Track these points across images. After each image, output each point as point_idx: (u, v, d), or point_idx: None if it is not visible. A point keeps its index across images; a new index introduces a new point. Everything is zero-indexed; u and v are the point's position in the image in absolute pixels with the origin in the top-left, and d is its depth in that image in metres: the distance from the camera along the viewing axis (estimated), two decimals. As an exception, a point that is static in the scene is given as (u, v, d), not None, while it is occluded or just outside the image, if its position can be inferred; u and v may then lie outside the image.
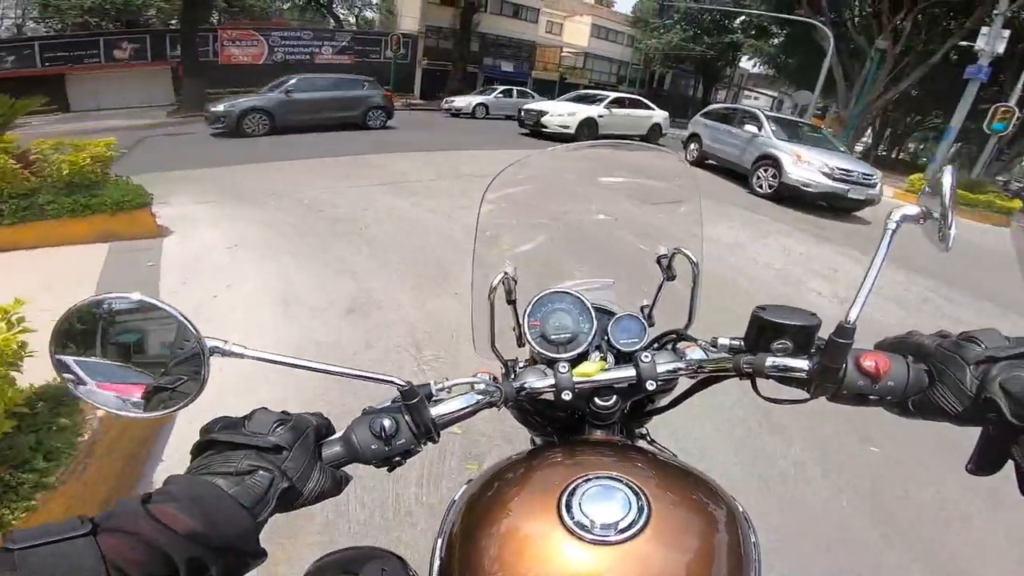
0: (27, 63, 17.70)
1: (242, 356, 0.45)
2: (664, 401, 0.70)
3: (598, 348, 0.65)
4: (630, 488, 0.45)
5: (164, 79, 19.78)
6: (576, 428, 0.66)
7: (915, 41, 16.44)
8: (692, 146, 10.53)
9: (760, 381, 0.56)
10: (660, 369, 0.58)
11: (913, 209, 0.49)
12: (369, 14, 27.62)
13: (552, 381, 0.58)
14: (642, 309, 0.73)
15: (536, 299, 0.66)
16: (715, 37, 30.30)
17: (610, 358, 0.63)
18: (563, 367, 0.59)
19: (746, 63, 37.54)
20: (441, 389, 0.53)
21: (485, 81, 27.38)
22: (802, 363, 0.52)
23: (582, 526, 0.42)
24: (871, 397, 0.50)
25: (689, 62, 32.84)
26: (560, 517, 0.43)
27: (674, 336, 0.66)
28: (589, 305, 0.66)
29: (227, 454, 0.42)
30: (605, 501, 0.44)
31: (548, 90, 27.27)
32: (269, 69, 20.83)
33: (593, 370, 0.59)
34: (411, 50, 23.72)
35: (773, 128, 8.26)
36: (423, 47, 24.57)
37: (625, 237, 0.82)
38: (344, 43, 22.47)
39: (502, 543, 0.45)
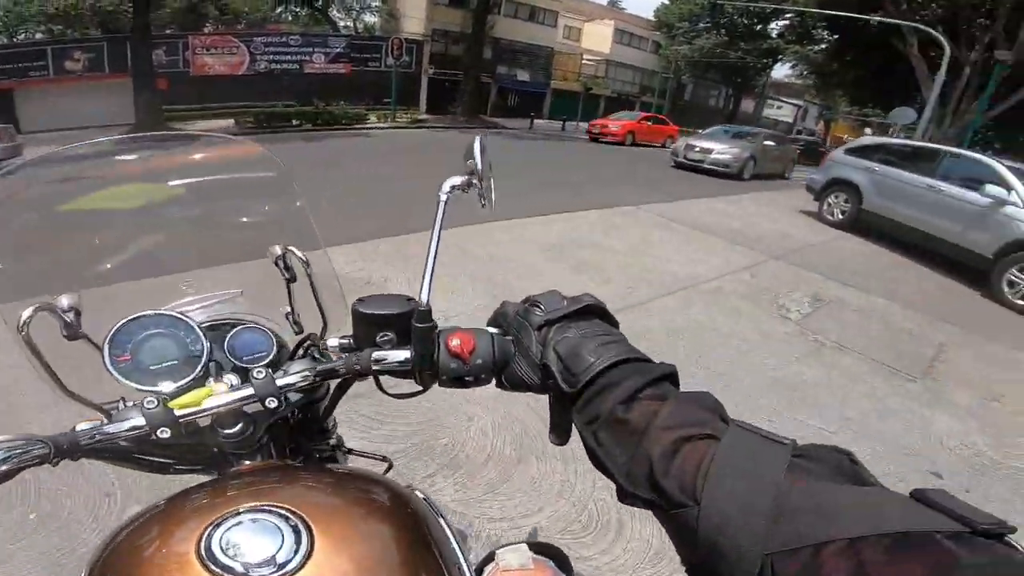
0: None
1: None
2: (321, 410, 0.64)
3: (220, 369, 0.58)
4: (283, 516, 0.41)
5: (126, 93, 16.74)
6: (224, 460, 0.56)
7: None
8: (836, 198, 7.37)
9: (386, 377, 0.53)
10: (280, 383, 0.50)
11: (458, 179, 0.52)
12: (369, 18, 24.46)
13: (140, 422, 0.47)
14: (289, 316, 0.66)
15: (116, 328, 0.55)
16: (751, 43, 27.38)
17: (232, 379, 0.54)
18: (151, 402, 0.47)
19: (779, 71, 34.91)
20: None
21: (499, 93, 24.37)
22: (404, 354, 0.50)
23: (230, 569, 0.37)
24: (467, 378, 0.49)
25: (716, 71, 29.96)
26: (204, 564, 0.37)
27: (310, 342, 0.63)
28: (193, 324, 0.57)
29: None
30: (256, 536, 0.39)
31: (570, 103, 24.35)
32: (251, 81, 17.81)
33: (196, 399, 0.49)
34: (415, 57, 20.62)
35: (1034, 193, 5.08)
36: (429, 54, 21.45)
37: (238, 240, 0.73)
38: (339, 49, 19.35)
39: None
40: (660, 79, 24.78)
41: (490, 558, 0.62)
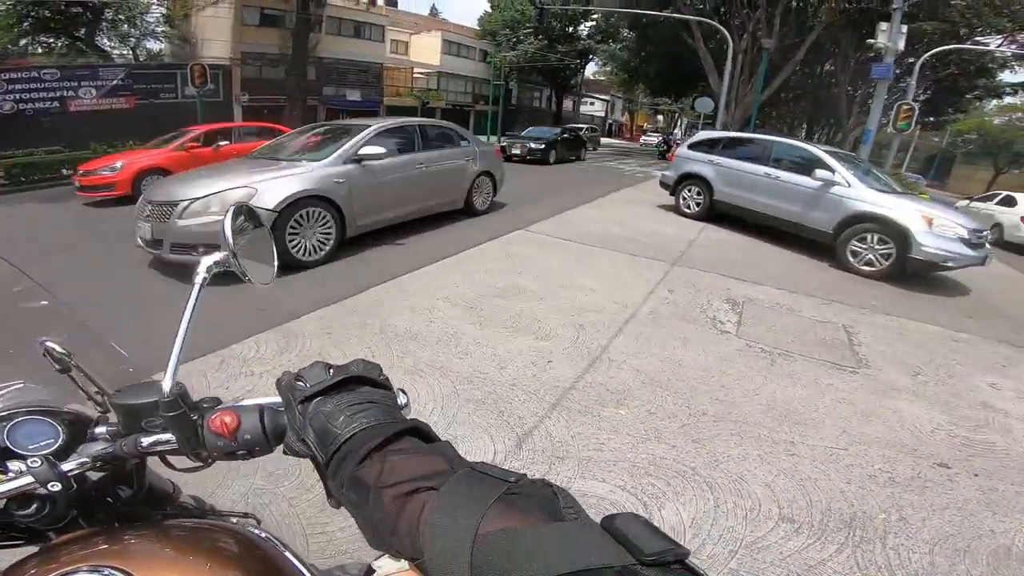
0: None
1: None
2: (135, 482, 0.63)
3: (6, 457, 0.55)
4: (112, 574, 0.42)
5: None
6: (43, 533, 0.57)
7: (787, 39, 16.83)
8: (690, 191, 8.06)
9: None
10: (66, 467, 0.52)
11: (219, 255, 0.53)
12: (153, 45, 20.46)
13: None
14: (88, 399, 0.65)
15: None
16: (566, 45, 29.72)
17: (20, 465, 0.53)
18: None
19: (589, 69, 38.55)
20: None
21: (328, 115, 22.57)
22: (169, 436, 0.51)
23: None
24: (239, 452, 0.49)
25: (538, 73, 32.00)
26: None
27: (100, 425, 0.60)
28: None
29: None
30: None
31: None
32: (-8, 127, 13.59)
33: None
34: (223, 84, 17.92)
35: (853, 173, 6.03)
36: (240, 79, 18.86)
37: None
38: (116, 81, 15.88)
39: None
40: (492, 86, 25.39)
41: (369, 572, 0.61)
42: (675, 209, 8.33)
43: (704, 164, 7.77)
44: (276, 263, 0.59)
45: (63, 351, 0.64)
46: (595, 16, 27.17)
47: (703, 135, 8.62)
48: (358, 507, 0.39)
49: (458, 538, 0.30)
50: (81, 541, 0.53)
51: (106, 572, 0.42)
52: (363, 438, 0.41)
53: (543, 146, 15.69)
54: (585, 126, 24.81)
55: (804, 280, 5.31)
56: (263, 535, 0.56)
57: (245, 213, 0.55)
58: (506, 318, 3.70)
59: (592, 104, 49.40)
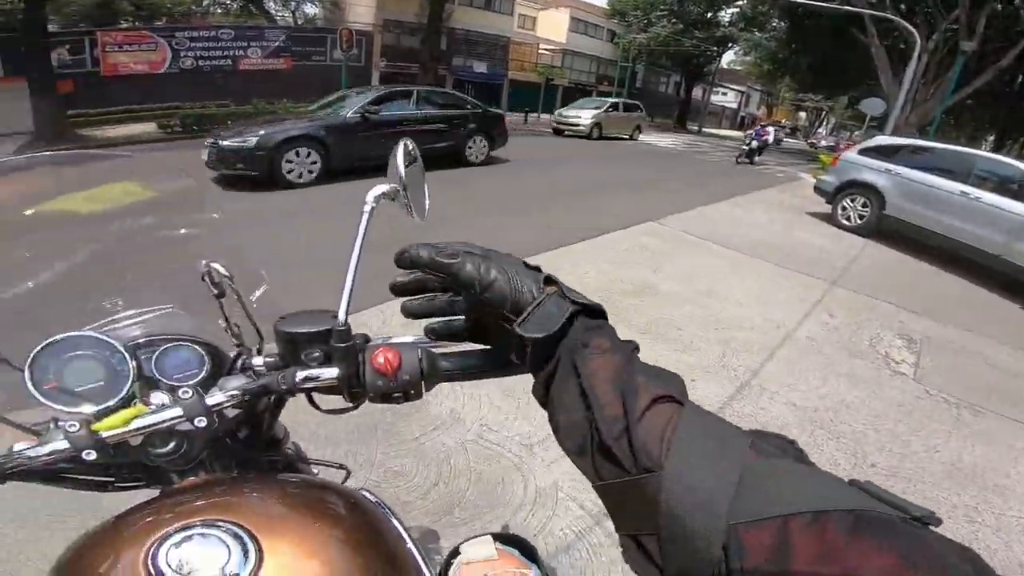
0: None
1: None
2: (265, 424, 0.62)
3: (151, 388, 0.54)
4: (229, 530, 0.41)
5: (23, 98, 14.26)
6: (167, 476, 0.55)
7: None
8: (853, 201, 6.96)
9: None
10: (210, 402, 0.48)
11: (384, 187, 0.50)
12: (310, 9, 22.27)
13: (64, 446, 0.45)
14: (227, 330, 0.63)
15: (36, 352, 0.50)
16: (705, 31, 27.45)
17: (164, 397, 0.51)
18: (72, 425, 0.45)
19: (728, 58, 35.53)
20: None
21: (455, 85, 23.12)
22: (331, 371, 0.48)
23: None
24: (395, 395, 0.48)
25: (667, 58, 29.97)
26: None
27: (245, 357, 0.59)
28: (118, 345, 0.53)
29: None
30: (203, 550, 0.39)
31: (528, 94, 23.44)
32: (176, 79, 15.71)
33: (122, 419, 0.46)
34: (365, 50, 19.01)
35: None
36: (380, 46, 19.88)
37: (162, 257, 0.73)
38: (278, 43, 17.48)
39: None
40: (619, 68, 24.25)
41: (455, 552, 0.61)
42: (829, 219, 7.29)
43: (878, 173, 6.64)
44: (428, 201, 0.56)
45: (226, 274, 0.61)
46: (740, 3, 24.72)
47: (880, 140, 7.37)
48: (568, 405, 0.35)
49: (724, 457, 0.28)
50: (200, 489, 0.51)
51: (225, 527, 0.41)
52: (586, 326, 0.37)
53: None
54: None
55: (997, 324, 4.35)
56: (373, 499, 0.55)
57: (408, 149, 0.52)
58: (640, 321, 3.39)
59: (724, 94, 45.70)
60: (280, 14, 21.19)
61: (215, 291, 0.62)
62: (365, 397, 0.49)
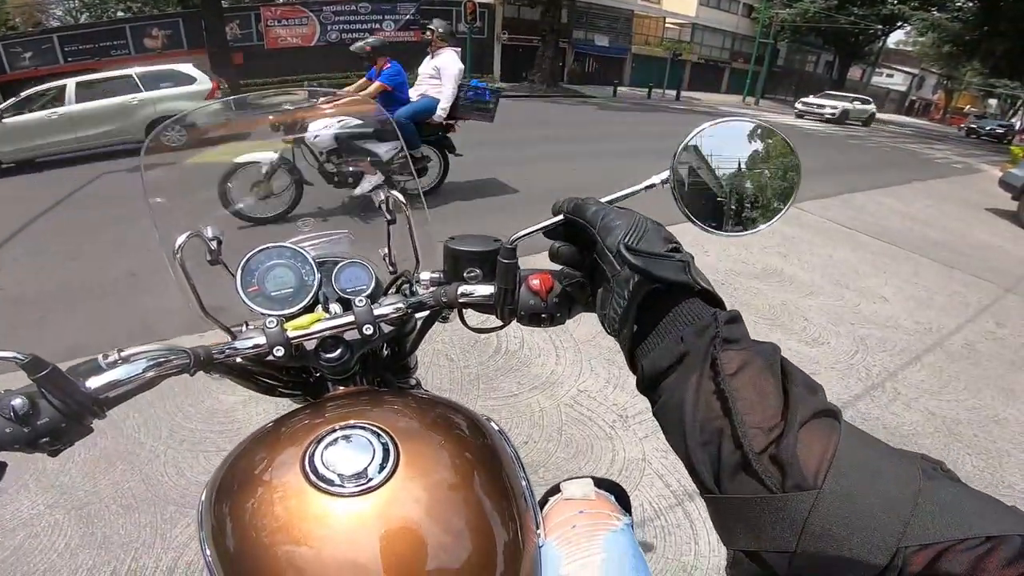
0: (48, 59, 14.76)
1: None
2: (408, 343, 0.70)
3: (327, 299, 0.63)
4: (374, 434, 0.45)
5: (204, 68, 16.70)
6: (322, 388, 0.65)
7: None
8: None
9: (469, 312, 0.57)
10: (377, 312, 0.55)
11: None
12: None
13: (262, 340, 0.53)
14: (386, 258, 0.72)
15: (248, 258, 0.62)
16: (866, 7, 23.63)
17: (336, 308, 0.60)
18: (272, 322, 0.53)
19: (896, 37, 30.37)
20: (114, 360, 0.46)
21: (576, 59, 22.59)
22: (488, 289, 0.53)
23: (329, 480, 0.42)
24: (543, 315, 0.51)
25: (817, 35, 26.30)
26: (307, 477, 0.42)
27: (403, 279, 0.68)
28: (309, 257, 0.64)
29: None
30: (350, 451, 0.44)
31: (652, 69, 22.12)
32: (323, 51, 17.28)
33: (307, 322, 0.55)
34: (488, 22, 19.27)
35: None
36: (502, 18, 20.00)
37: (349, 184, 1.00)
38: (408, 16, 18.36)
39: (257, 518, 0.43)
40: (756, 44, 21.84)
41: (556, 489, 0.64)
42: (1015, 217, 5.96)
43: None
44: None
45: (403, 201, 0.67)
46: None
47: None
48: (695, 402, 0.32)
49: (898, 483, 0.26)
50: (349, 398, 0.57)
51: (371, 432, 0.45)
52: (725, 317, 0.35)
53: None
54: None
55: None
56: (496, 427, 0.58)
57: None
58: (761, 305, 3.03)
59: (891, 76, 39.35)
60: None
61: (388, 217, 0.69)
62: (515, 316, 0.52)
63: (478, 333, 0.60)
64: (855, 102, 19.87)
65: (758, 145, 0.46)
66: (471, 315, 0.58)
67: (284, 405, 0.68)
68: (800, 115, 19.24)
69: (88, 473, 1.82)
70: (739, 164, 0.46)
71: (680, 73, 23.38)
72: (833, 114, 18.81)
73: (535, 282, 0.50)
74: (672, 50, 22.99)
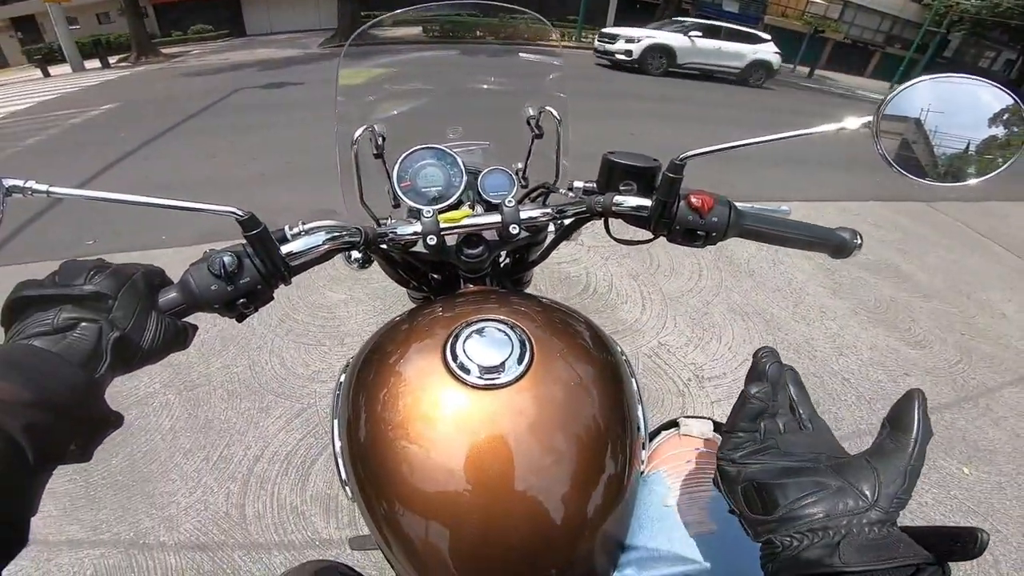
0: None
1: (47, 194, 0.40)
2: (536, 254, 0.73)
3: (469, 201, 0.66)
4: (511, 329, 0.46)
5: (331, 3, 17.44)
6: (452, 284, 0.69)
7: None
8: None
9: (614, 224, 0.61)
10: (523, 215, 0.58)
11: None
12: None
13: (418, 228, 0.56)
14: (518, 173, 0.73)
15: (406, 155, 0.66)
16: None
17: (479, 209, 0.65)
18: (428, 212, 0.57)
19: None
20: (297, 232, 0.50)
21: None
22: (644, 201, 0.55)
23: (467, 370, 0.43)
24: (698, 232, 0.53)
25: (1005, 31, 22.12)
26: (446, 365, 0.43)
27: (543, 189, 0.72)
28: (460, 160, 0.66)
29: (38, 315, 0.36)
30: (488, 344, 0.44)
31: (785, 43, 19.83)
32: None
33: (459, 216, 0.58)
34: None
35: None
36: (628, -28, 18.72)
37: (497, 101, 0.85)
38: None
39: (394, 404, 0.44)
40: (923, 31, 18.74)
41: (673, 423, 0.63)
42: None
43: None
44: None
45: (557, 117, 0.72)
46: None
47: None
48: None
49: None
50: (484, 295, 0.58)
51: (510, 327, 0.46)
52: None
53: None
54: None
55: None
56: (619, 347, 0.58)
57: None
58: (868, 298, 2.80)
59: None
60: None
61: (535, 132, 0.72)
62: (667, 230, 0.54)
63: (623, 244, 0.63)
64: None
65: (979, 102, 0.44)
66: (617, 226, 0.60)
67: (390, 307, 0.74)
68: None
69: (204, 354, 1.94)
70: (956, 119, 0.45)
71: (818, 50, 20.83)
72: None
73: (695, 200, 0.52)
74: (813, 25, 20.38)
